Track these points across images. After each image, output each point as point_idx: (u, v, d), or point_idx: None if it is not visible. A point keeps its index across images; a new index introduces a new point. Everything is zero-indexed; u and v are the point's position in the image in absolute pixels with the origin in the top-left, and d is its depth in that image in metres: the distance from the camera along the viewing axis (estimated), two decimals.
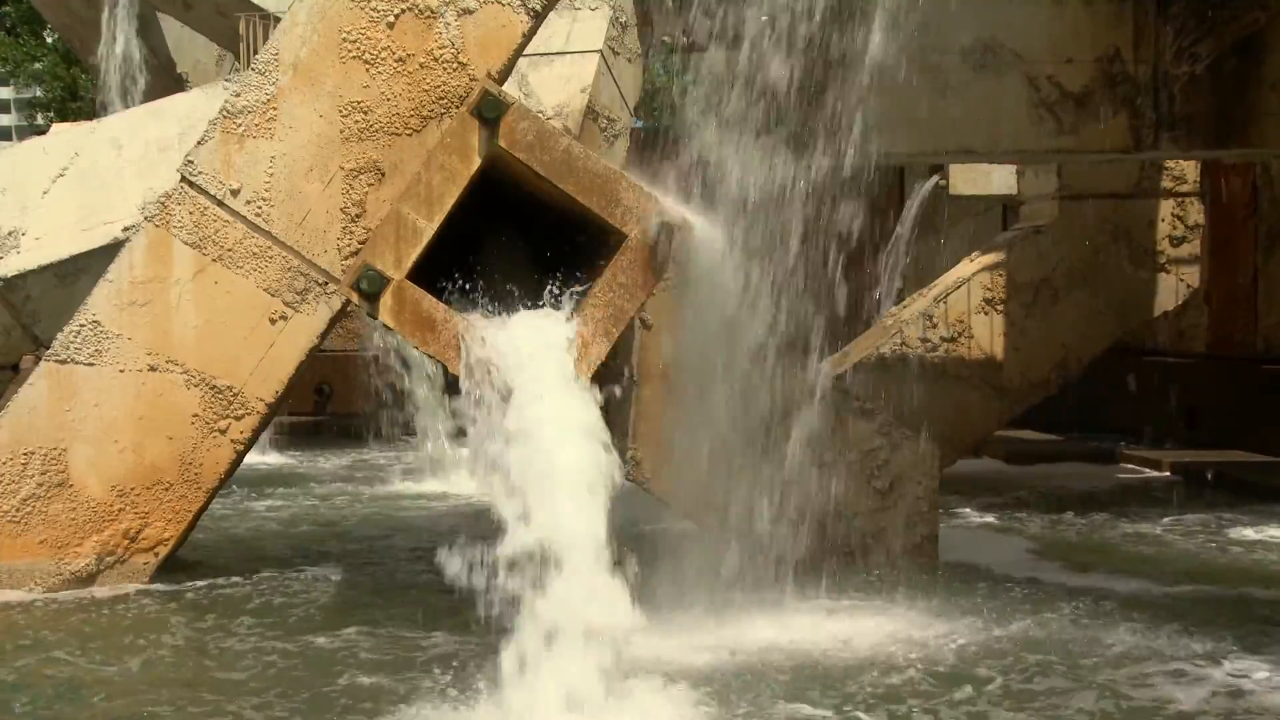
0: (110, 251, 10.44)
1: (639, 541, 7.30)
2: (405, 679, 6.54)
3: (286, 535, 10.70)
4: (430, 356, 7.17)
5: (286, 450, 16.01)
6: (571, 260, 7.47)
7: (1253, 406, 14.55)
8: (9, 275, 12.71)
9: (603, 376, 6.93)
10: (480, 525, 6.38)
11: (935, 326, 13.30)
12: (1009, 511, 11.66)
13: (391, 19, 8.44)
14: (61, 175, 13.04)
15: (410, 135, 8.44)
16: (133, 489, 8.59)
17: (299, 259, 8.55)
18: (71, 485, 8.55)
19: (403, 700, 6.19)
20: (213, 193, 8.57)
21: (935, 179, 16.97)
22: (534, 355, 6.66)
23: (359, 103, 8.47)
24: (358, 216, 8.49)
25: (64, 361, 8.59)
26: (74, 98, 42.49)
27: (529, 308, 6.99)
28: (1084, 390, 15.23)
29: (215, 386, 8.60)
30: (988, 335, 13.36)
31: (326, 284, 8.54)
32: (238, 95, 8.61)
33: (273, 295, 8.58)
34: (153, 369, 8.60)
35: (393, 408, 14.83)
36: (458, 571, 6.18)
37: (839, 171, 8.28)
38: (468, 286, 7.17)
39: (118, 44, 18.56)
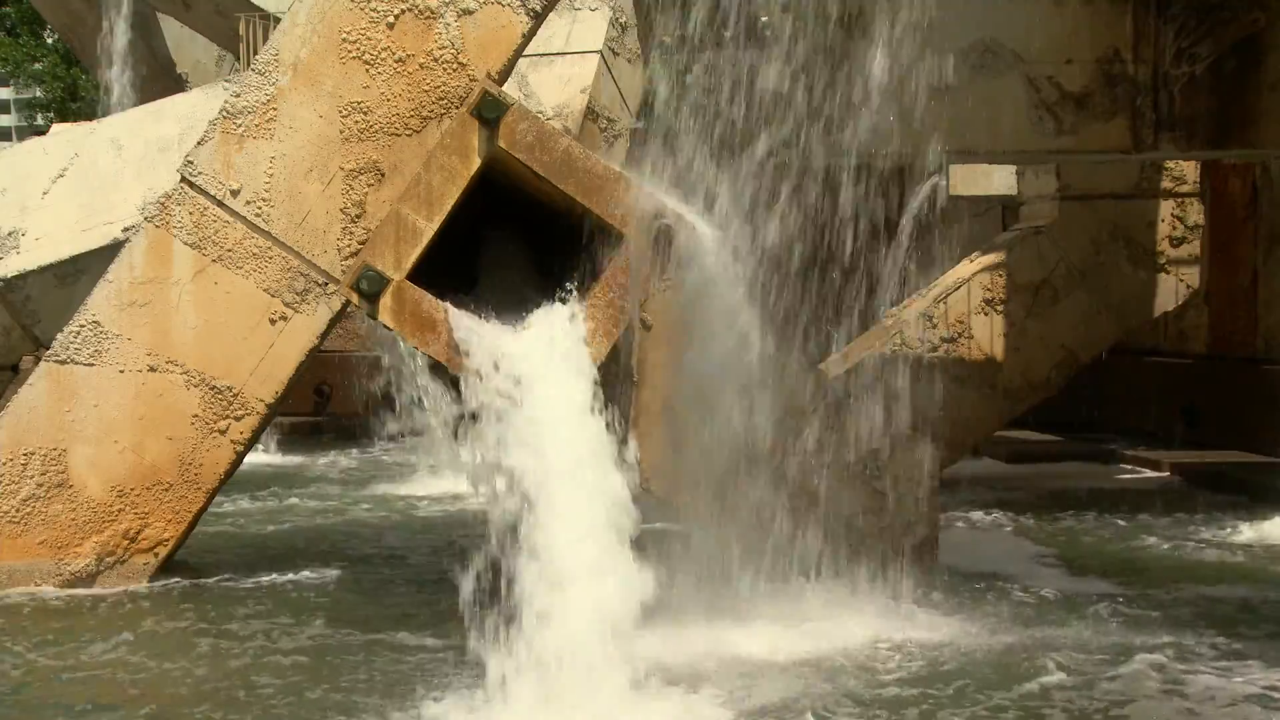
0: (110, 251, 10.44)
1: (639, 543, 7.30)
2: (405, 679, 6.54)
3: (286, 536, 10.70)
4: (431, 357, 7.17)
5: (286, 451, 16.00)
6: (572, 260, 7.46)
7: (1253, 406, 14.55)
8: (9, 275, 12.71)
9: (603, 377, 6.93)
10: (481, 527, 6.38)
11: (935, 327, 13.30)
12: (1009, 512, 11.65)
13: (391, 20, 8.44)
14: (61, 175, 13.04)
15: (410, 136, 8.44)
16: (132, 489, 8.59)
17: (299, 259, 8.56)
18: (71, 486, 8.55)
19: (403, 700, 6.19)
20: (213, 193, 8.57)
21: (935, 179, 16.94)
22: (537, 356, 6.66)
23: (359, 103, 8.47)
24: (358, 217, 8.49)
25: (64, 362, 8.59)
26: (74, 98, 42.48)
27: (530, 310, 6.98)
28: (1084, 390, 15.23)
29: (215, 387, 8.60)
30: (988, 335, 13.36)
31: (326, 284, 8.54)
32: (238, 95, 8.61)
33: (273, 295, 8.58)
34: (153, 369, 8.60)
35: (392, 408, 14.80)
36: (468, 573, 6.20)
37: (840, 171, 8.29)
38: (469, 288, 7.18)
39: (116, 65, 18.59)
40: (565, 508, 6.19)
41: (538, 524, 6.19)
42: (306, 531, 10.92)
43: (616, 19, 16.83)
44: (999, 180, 15.92)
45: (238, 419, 8.63)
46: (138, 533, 8.61)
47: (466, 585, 6.17)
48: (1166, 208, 13.76)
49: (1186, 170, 13.77)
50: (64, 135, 14.64)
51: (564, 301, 7.01)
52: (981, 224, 17.83)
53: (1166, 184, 13.76)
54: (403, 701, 6.16)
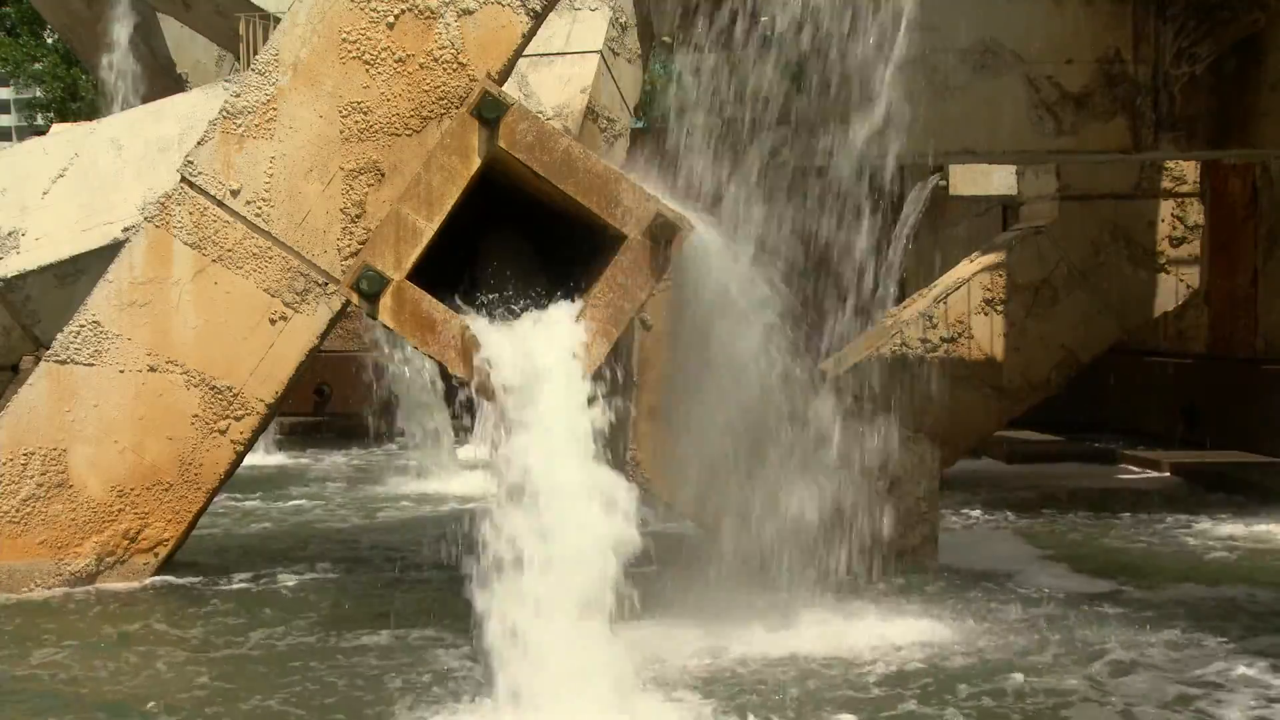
0: (110, 251, 10.44)
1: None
2: (403, 679, 6.54)
3: (285, 536, 10.70)
4: (430, 357, 7.17)
5: (286, 450, 16.01)
6: (572, 260, 7.46)
7: (1253, 406, 14.56)
8: (9, 275, 12.70)
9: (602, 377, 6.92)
10: (477, 526, 6.38)
11: (935, 327, 13.30)
12: (1009, 512, 11.65)
13: (391, 20, 8.44)
14: (61, 175, 13.04)
15: (410, 136, 8.45)
16: (132, 489, 8.59)
17: (299, 259, 8.56)
18: (71, 486, 8.55)
19: (401, 701, 6.18)
20: (213, 193, 8.57)
21: (935, 179, 16.97)
22: (538, 357, 6.65)
23: (359, 103, 8.47)
24: (358, 217, 8.49)
25: (64, 362, 8.59)
26: (74, 98, 42.47)
27: (529, 309, 6.98)
28: (1084, 390, 15.24)
29: (215, 387, 8.60)
30: (988, 335, 13.36)
31: (326, 284, 8.54)
32: (238, 95, 8.61)
33: (273, 296, 8.58)
34: (153, 369, 8.60)
35: (392, 408, 14.84)
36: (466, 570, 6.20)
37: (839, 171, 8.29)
38: (469, 288, 7.17)
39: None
40: (558, 508, 6.18)
41: (530, 523, 6.18)
42: (304, 532, 10.92)
43: (616, 19, 16.81)
44: (999, 180, 15.94)
45: (238, 419, 8.63)
46: (138, 533, 8.61)
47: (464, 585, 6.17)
48: (1166, 208, 13.76)
49: (1186, 170, 13.78)
50: (64, 135, 14.64)
51: (564, 302, 7.00)
52: (981, 224, 17.86)
53: (1166, 184, 13.76)
54: (398, 703, 6.15)
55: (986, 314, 13.37)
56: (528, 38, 8.52)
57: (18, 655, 7.09)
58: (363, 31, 8.45)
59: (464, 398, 6.91)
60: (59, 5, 20.71)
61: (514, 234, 7.96)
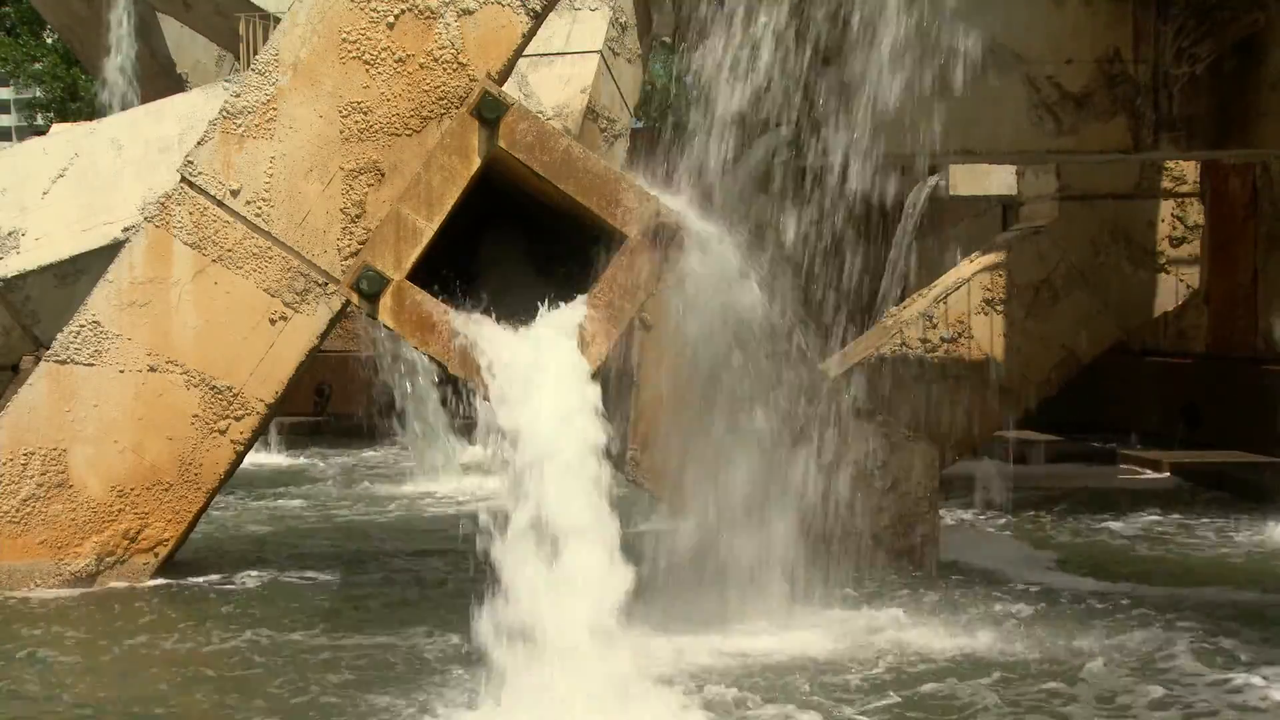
0: (110, 251, 10.45)
1: (638, 542, 7.30)
2: (402, 680, 6.54)
3: (286, 536, 10.69)
4: (430, 357, 7.17)
5: (286, 450, 16.01)
6: (572, 261, 7.47)
7: (1253, 406, 14.55)
8: (9, 275, 12.72)
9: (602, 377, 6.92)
10: (476, 526, 6.37)
11: (935, 327, 13.30)
12: (1009, 512, 11.64)
13: (391, 19, 8.44)
14: (61, 175, 13.05)
15: (410, 136, 8.45)
16: (132, 489, 8.59)
17: (299, 259, 8.56)
18: (71, 486, 8.55)
19: (399, 701, 6.18)
20: (213, 193, 8.57)
21: (935, 179, 16.98)
22: (538, 357, 6.66)
23: (359, 103, 8.47)
24: (358, 217, 8.49)
25: (64, 362, 8.59)
26: (74, 98, 42.49)
27: (529, 310, 6.98)
28: (1084, 390, 15.23)
29: (215, 387, 8.60)
30: (988, 335, 13.36)
31: (326, 284, 8.54)
32: (238, 95, 8.61)
33: (273, 296, 8.58)
34: (152, 369, 8.60)
35: (393, 408, 14.84)
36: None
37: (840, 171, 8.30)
38: (468, 288, 7.17)
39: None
40: (558, 508, 6.18)
41: (530, 522, 6.18)
42: (305, 532, 10.92)
43: (616, 19, 16.83)
44: (999, 180, 15.93)
45: (238, 419, 8.63)
46: (138, 533, 8.61)
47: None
48: (1166, 208, 13.76)
49: (1186, 170, 13.78)
50: (64, 135, 14.65)
51: (563, 302, 7.01)
52: (981, 224, 17.87)
53: (1166, 184, 13.76)
54: (396, 703, 6.13)
55: (986, 314, 13.37)
56: (528, 38, 8.52)
57: None
58: (363, 31, 8.45)
59: (464, 398, 6.91)
60: (59, 5, 20.72)
61: (514, 234, 7.97)
